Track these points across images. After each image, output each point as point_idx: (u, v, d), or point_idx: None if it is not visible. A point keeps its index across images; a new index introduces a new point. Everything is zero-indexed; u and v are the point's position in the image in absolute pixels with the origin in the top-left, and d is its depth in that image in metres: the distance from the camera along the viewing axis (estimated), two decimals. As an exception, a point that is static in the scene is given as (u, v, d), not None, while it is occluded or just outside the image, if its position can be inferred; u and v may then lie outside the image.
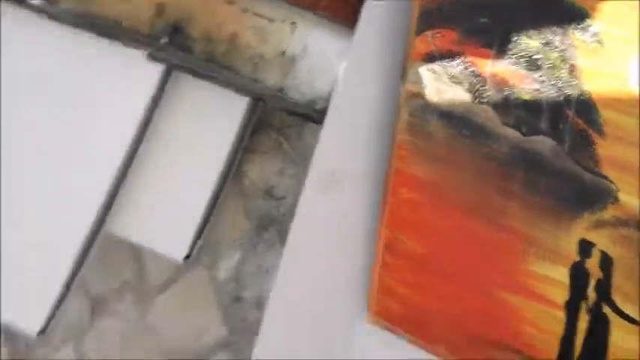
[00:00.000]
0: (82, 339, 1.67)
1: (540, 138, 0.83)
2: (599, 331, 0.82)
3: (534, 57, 0.85)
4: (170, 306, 1.54)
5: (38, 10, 1.31)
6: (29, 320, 1.28)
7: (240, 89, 1.23)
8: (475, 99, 0.86)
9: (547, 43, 0.84)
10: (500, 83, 0.85)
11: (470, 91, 0.86)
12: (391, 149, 0.94)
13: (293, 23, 1.22)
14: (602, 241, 0.82)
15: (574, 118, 0.83)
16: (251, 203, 1.43)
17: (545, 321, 0.83)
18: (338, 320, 1.03)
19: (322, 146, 0.98)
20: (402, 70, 0.92)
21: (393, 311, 0.98)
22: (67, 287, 1.27)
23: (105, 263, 1.57)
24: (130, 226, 1.31)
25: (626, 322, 0.81)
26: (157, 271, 1.56)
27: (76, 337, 1.67)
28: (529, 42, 0.85)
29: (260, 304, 1.42)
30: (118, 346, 1.62)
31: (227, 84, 1.23)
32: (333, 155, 0.98)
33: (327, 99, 1.01)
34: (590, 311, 0.82)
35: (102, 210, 1.26)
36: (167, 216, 1.32)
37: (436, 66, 0.89)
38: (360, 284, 1.02)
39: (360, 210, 1.00)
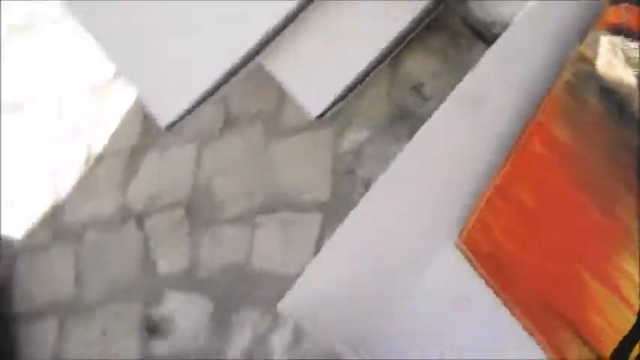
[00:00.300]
0: (206, 144, 1.76)
1: (683, 145, 0.81)
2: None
3: None
4: (290, 151, 1.60)
5: None
6: (166, 110, 1.35)
7: (429, -14, 1.22)
8: (640, 87, 0.84)
9: None
10: (671, 81, 0.83)
11: (639, 77, 0.84)
12: (541, 101, 0.94)
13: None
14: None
15: None
16: (397, 92, 1.44)
17: (615, 317, 0.84)
18: (427, 235, 1.06)
19: (479, 70, 0.98)
20: (584, 31, 0.90)
21: (481, 247, 1.00)
22: (209, 94, 1.33)
23: (250, 89, 1.63)
24: (283, 67, 1.35)
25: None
26: (292, 116, 1.61)
27: (201, 141, 1.77)
28: None
29: (368, 186, 1.45)
30: (233, 164, 1.70)
31: (419, -24, 1.22)
32: (485, 82, 0.98)
33: (506, 27, 1.00)
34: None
35: (262, 41, 1.30)
36: (318, 71, 1.35)
37: (617, 40, 0.87)
38: (461, 210, 1.04)
39: (488, 142, 1.01)
